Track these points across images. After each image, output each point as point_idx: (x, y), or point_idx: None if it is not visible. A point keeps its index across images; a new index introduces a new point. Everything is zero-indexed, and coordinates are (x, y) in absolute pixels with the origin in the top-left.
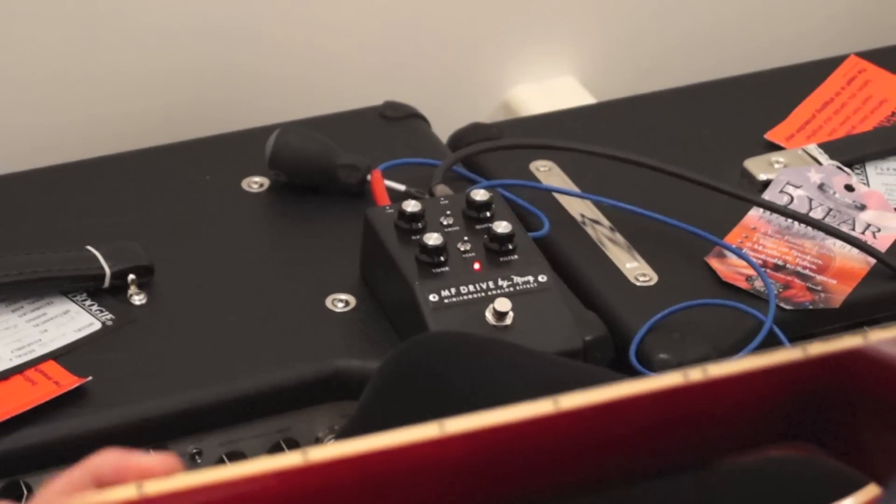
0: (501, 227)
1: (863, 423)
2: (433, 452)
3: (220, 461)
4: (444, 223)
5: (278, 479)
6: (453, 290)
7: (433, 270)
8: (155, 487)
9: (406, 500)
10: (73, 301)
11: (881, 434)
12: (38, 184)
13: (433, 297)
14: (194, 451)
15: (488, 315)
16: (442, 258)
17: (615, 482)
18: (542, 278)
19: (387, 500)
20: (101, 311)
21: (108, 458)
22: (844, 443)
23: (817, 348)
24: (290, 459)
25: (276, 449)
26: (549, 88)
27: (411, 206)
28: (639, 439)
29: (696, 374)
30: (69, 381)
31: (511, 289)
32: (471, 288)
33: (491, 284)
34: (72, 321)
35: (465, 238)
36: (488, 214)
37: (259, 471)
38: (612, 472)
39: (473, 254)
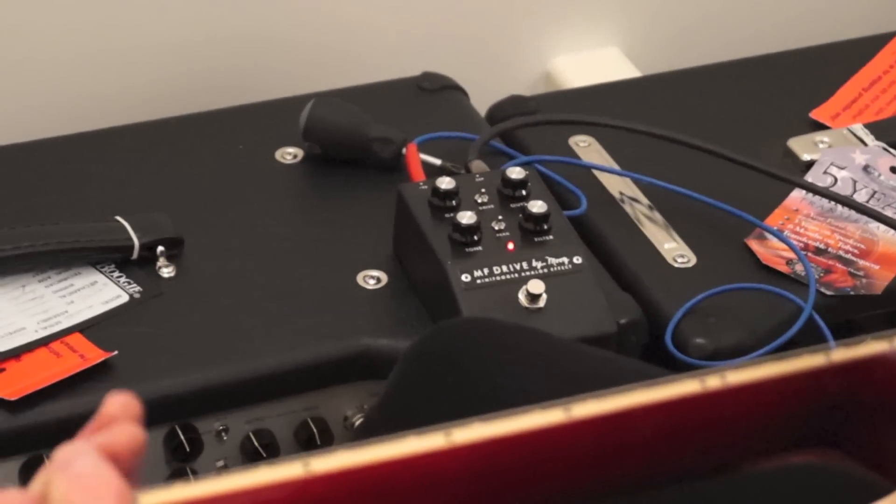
0: (536, 206)
1: (888, 430)
2: (439, 462)
3: (247, 439)
4: (479, 201)
5: (279, 490)
6: (486, 271)
7: (466, 250)
8: (150, 500)
9: None
10: (101, 272)
11: None
12: (67, 151)
13: (465, 278)
14: (220, 428)
15: (521, 297)
16: (475, 237)
17: (633, 489)
18: (576, 260)
19: None
20: (129, 283)
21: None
22: (869, 449)
23: (841, 354)
24: (290, 470)
25: (303, 427)
26: (591, 59)
27: (445, 183)
28: (656, 445)
29: (714, 381)
30: (95, 355)
31: (545, 270)
32: (504, 269)
33: (524, 265)
34: (99, 293)
35: (500, 217)
36: (524, 193)
37: (258, 482)
38: (629, 478)
39: (507, 233)
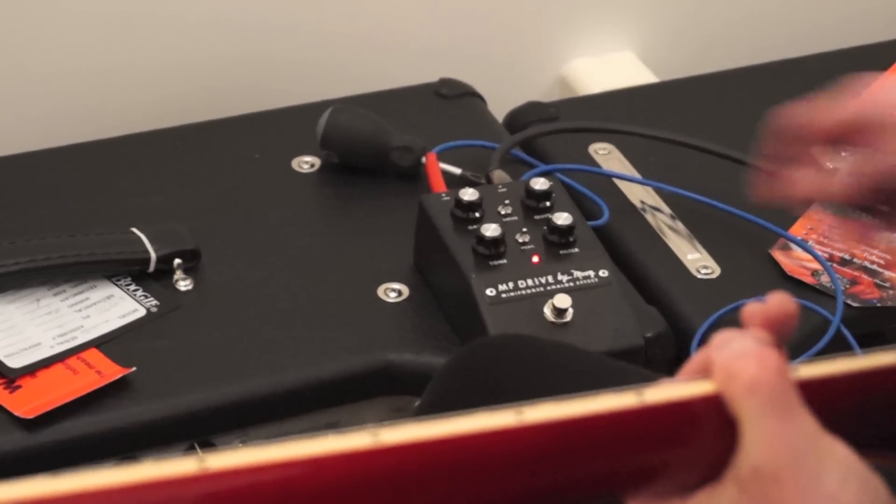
0: (562, 218)
1: None
2: (508, 439)
3: None
4: (502, 212)
5: (346, 461)
6: (511, 285)
7: (490, 263)
8: (216, 462)
9: (475, 486)
10: (117, 285)
11: None
12: (82, 159)
13: (490, 292)
14: (240, 444)
15: (547, 311)
16: (500, 250)
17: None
18: (602, 273)
19: (457, 485)
20: (146, 297)
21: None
22: None
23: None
24: (359, 440)
25: None
26: (607, 63)
27: (468, 194)
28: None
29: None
30: (112, 372)
31: (571, 284)
32: (529, 282)
33: (550, 279)
34: (115, 307)
35: (524, 229)
36: (548, 204)
37: (324, 451)
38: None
39: (532, 246)
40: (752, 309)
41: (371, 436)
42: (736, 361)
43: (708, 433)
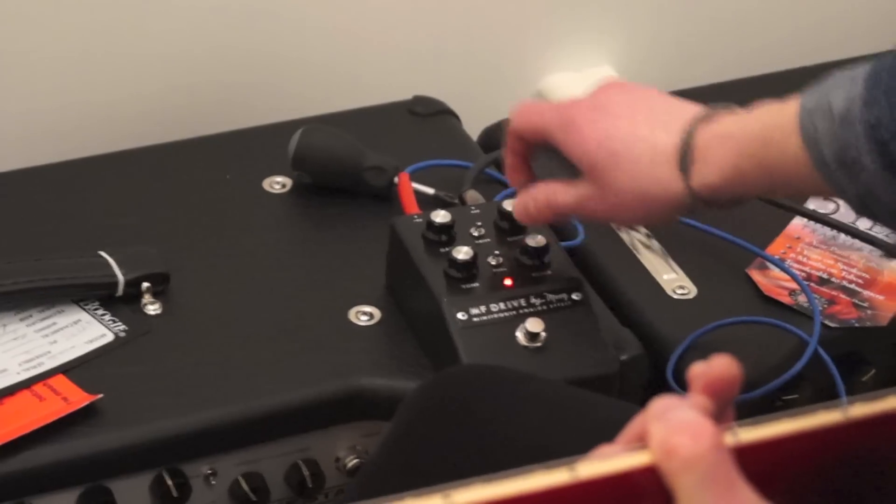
0: (534, 240)
1: None
2: None
3: (236, 483)
4: (475, 234)
5: None
6: (483, 308)
7: (462, 286)
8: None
9: None
10: (85, 310)
11: None
12: (48, 181)
13: (462, 316)
14: (209, 471)
15: (519, 335)
16: (472, 273)
17: None
18: (576, 296)
19: None
20: (114, 322)
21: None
22: None
23: (859, 410)
24: None
25: (294, 470)
26: (584, 78)
27: (440, 216)
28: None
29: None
30: (79, 399)
31: (544, 307)
32: (501, 306)
33: (523, 302)
34: (83, 332)
35: (497, 251)
36: (521, 226)
37: None
38: None
39: (505, 268)
40: (696, 371)
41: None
42: (672, 437)
43: None
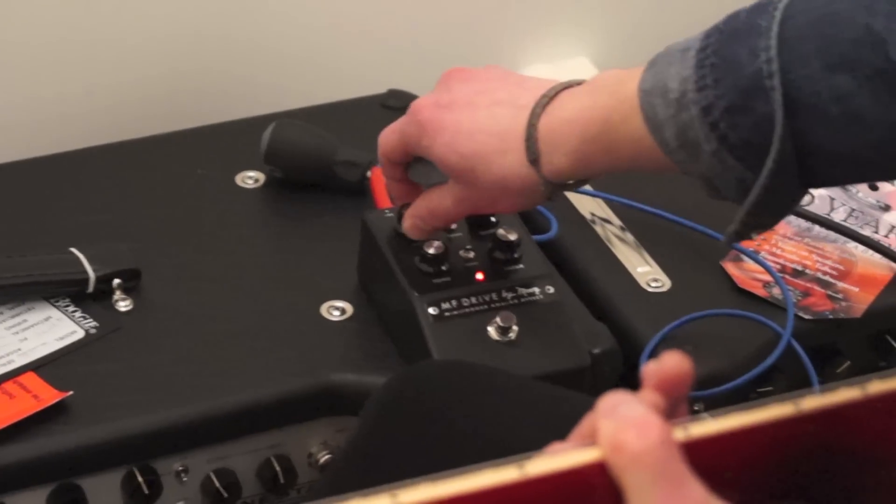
0: (507, 233)
1: (861, 481)
2: None
3: (208, 479)
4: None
5: None
6: (454, 303)
7: (433, 281)
8: None
9: None
10: (56, 307)
11: (879, 495)
12: (17, 177)
13: (433, 310)
14: (180, 468)
15: (491, 329)
16: (443, 267)
17: None
18: (548, 289)
19: None
20: (85, 318)
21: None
22: (842, 502)
23: (811, 403)
24: None
25: (266, 466)
26: (561, 70)
27: None
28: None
29: (679, 434)
30: (50, 396)
31: (515, 301)
32: (473, 300)
33: (494, 297)
34: (53, 329)
35: (469, 245)
36: (493, 220)
37: None
38: None
39: (476, 262)
40: (648, 369)
41: None
42: (620, 432)
43: (595, 503)
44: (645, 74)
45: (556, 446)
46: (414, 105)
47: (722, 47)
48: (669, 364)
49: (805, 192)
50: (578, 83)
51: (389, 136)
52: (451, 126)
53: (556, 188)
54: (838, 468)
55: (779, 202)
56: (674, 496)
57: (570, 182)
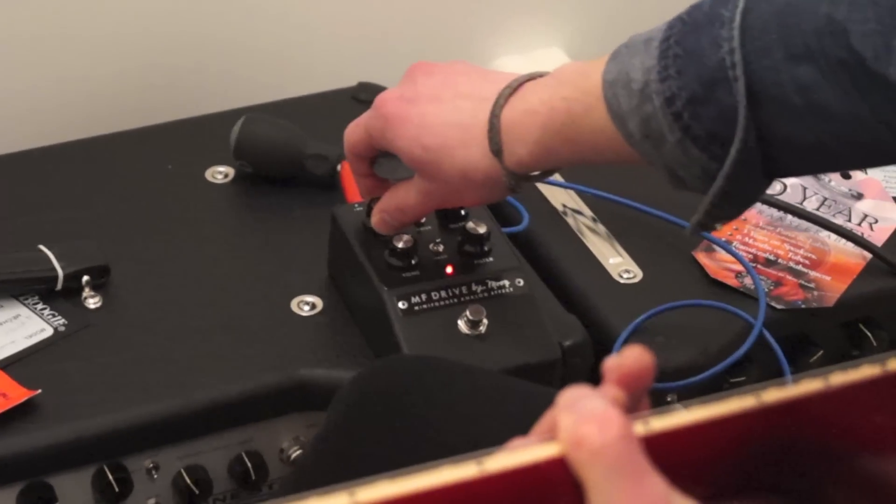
0: (476, 226)
1: (825, 474)
2: None
3: (179, 476)
4: (416, 221)
5: None
6: (424, 297)
7: (403, 275)
8: None
9: None
10: (25, 304)
11: (844, 487)
12: None
13: (402, 305)
14: (151, 465)
15: (461, 323)
16: (413, 261)
17: None
18: (518, 282)
19: None
20: (54, 316)
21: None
22: (808, 494)
23: (772, 395)
24: None
25: (237, 462)
26: (534, 60)
27: None
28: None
29: (639, 428)
30: (18, 394)
31: (485, 294)
32: (443, 294)
33: (464, 290)
34: (22, 327)
35: (438, 239)
36: (462, 213)
37: None
38: None
39: (446, 256)
40: (609, 363)
41: None
42: (580, 427)
43: (555, 498)
44: (608, 65)
45: (516, 442)
46: (378, 99)
47: (685, 38)
48: (630, 358)
49: (769, 183)
50: (542, 75)
51: (354, 130)
52: (416, 119)
53: (520, 180)
54: (805, 461)
55: (743, 192)
56: (634, 491)
57: (535, 174)
